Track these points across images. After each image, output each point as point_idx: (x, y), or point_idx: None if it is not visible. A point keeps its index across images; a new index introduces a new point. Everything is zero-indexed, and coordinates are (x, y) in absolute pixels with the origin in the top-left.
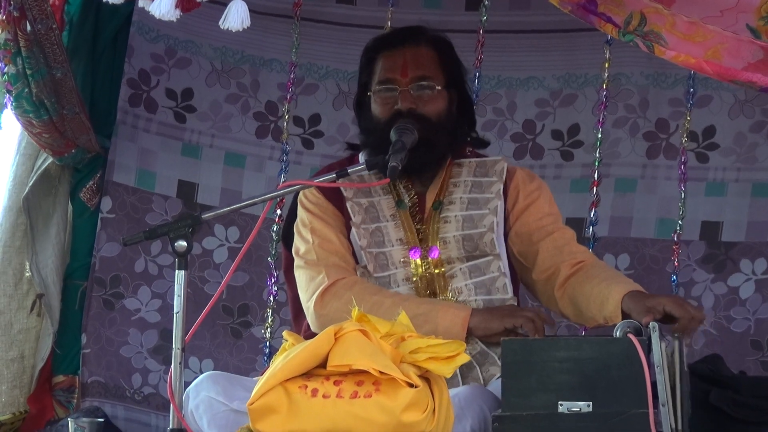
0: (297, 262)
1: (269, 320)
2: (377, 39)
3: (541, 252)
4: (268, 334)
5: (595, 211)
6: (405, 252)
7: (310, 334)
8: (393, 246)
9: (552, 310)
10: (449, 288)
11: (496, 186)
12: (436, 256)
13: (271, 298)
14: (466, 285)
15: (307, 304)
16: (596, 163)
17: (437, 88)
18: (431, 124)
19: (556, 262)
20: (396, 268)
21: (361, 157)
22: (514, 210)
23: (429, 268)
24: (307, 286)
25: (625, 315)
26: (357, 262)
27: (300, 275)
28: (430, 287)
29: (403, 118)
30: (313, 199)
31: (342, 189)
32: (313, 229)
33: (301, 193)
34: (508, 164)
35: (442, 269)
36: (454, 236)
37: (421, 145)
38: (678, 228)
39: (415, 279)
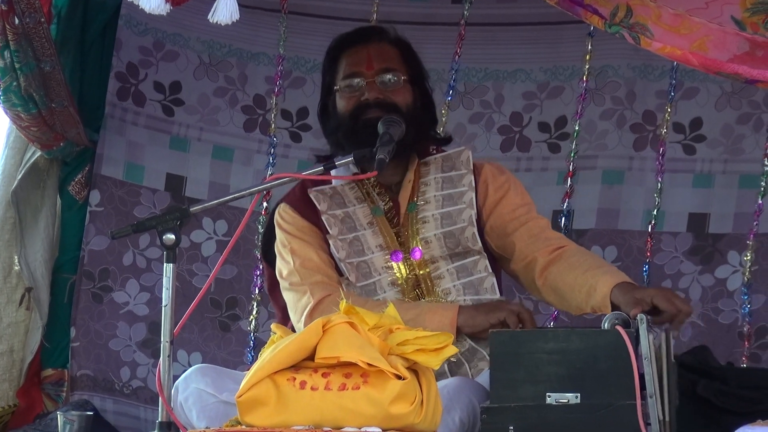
0: (282, 284)
1: (254, 313)
2: (339, 38)
3: (517, 242)
4: (252, 327)
5: (568, 202)
6: (386, 257)
7: None
8: (373, 253)
9: (536, 298)
10: (437, 289)
11: (466, 178)
12: (418, 257)
13: (256, 290)
14: (454, 286)
15: (298, 326)
16: (572, 155)
17: (403, 78)
18: (400, 114)
19: (532, 251)
20: (379, 275)
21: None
22: (486, 204)
23: (413, 269)
24: (295, 308)
25: (614, 307)
26: (341, 275)
27: (287, 297)
28: (416, 289)
29: (370, 108)
30: (289, 218)
31: (316, 203)
32: (292, 250)
33: (276, 214)
34: (475, 157)
35: (427, 270)
36: (435, 235)
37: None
38: (653, 219)
39: (400, 282)
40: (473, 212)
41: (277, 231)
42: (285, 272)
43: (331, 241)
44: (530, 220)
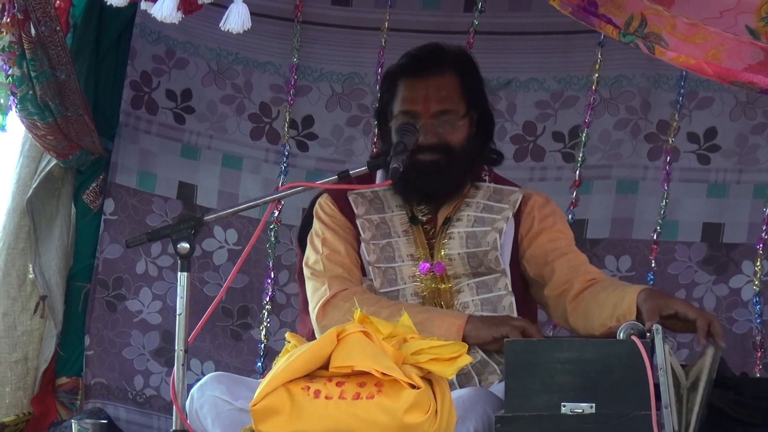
0: (305, 271)
1: (265, 322)
2: (399, 66)
3: (557, 270)
4: (263, 336)
5: (573, 211)
6: (415, 267)
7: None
8: (403, 261)
9: (562, 326)
10: (456, 303)
11: (506, 213)
12: (441, 272)
13: (267, 299)
14: (472, 300)
15: (312, 314)
16: (579, 164)
17: (459, 120)
18: (453, 154)
19: (571, 278)
20: (405, 283)
21: (379, 174)
22: (528, 234)
23: (436, 282)
24: (312, 297)
25: (638, 311)
26: (364, 275)
27: (307, 285)
28: (436, 302)
29: (423, 151)
30: (328, 210)
31: (353, 206)
32: (324, 240)
33: (317, 204)
34: (525, 191)
35: (449, 285)
36: (458, 253)
37: (440, 172)
38: (658, 227)
39: (423, 294)
40: (498, 238)
41: (315, 220)
42: (311, 260)
43: (363, 244)
44: (570, 252)
